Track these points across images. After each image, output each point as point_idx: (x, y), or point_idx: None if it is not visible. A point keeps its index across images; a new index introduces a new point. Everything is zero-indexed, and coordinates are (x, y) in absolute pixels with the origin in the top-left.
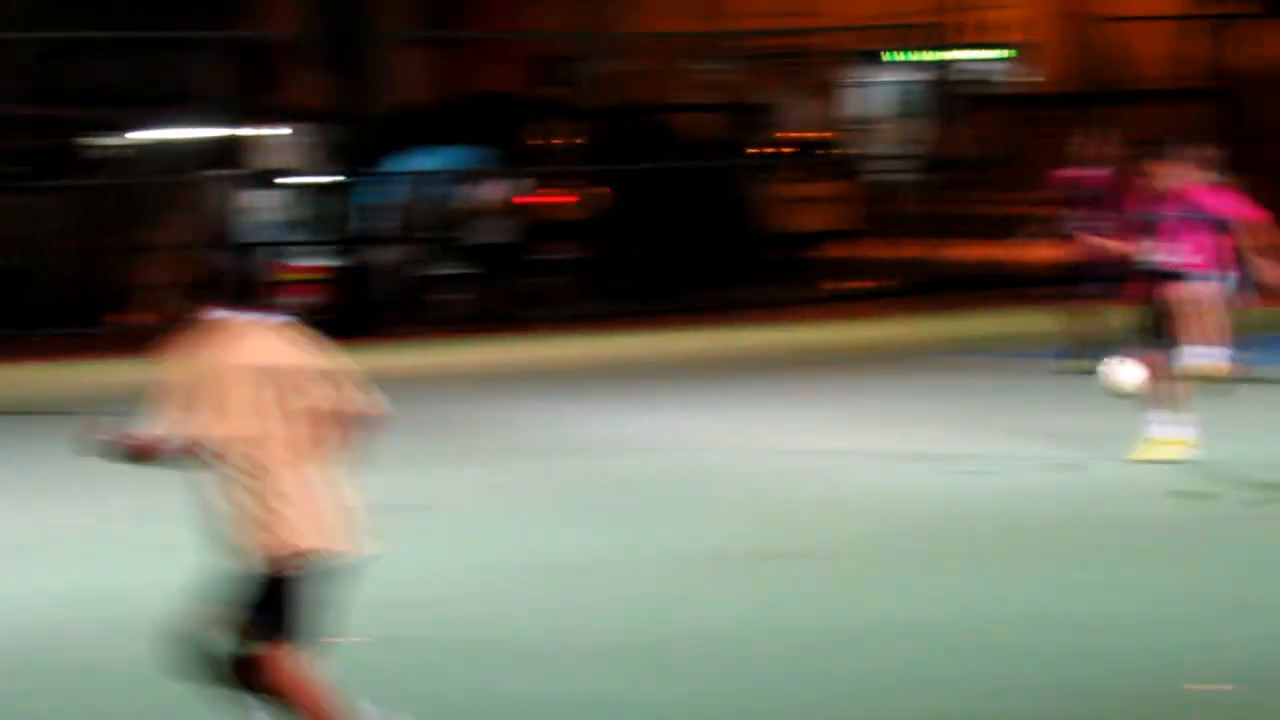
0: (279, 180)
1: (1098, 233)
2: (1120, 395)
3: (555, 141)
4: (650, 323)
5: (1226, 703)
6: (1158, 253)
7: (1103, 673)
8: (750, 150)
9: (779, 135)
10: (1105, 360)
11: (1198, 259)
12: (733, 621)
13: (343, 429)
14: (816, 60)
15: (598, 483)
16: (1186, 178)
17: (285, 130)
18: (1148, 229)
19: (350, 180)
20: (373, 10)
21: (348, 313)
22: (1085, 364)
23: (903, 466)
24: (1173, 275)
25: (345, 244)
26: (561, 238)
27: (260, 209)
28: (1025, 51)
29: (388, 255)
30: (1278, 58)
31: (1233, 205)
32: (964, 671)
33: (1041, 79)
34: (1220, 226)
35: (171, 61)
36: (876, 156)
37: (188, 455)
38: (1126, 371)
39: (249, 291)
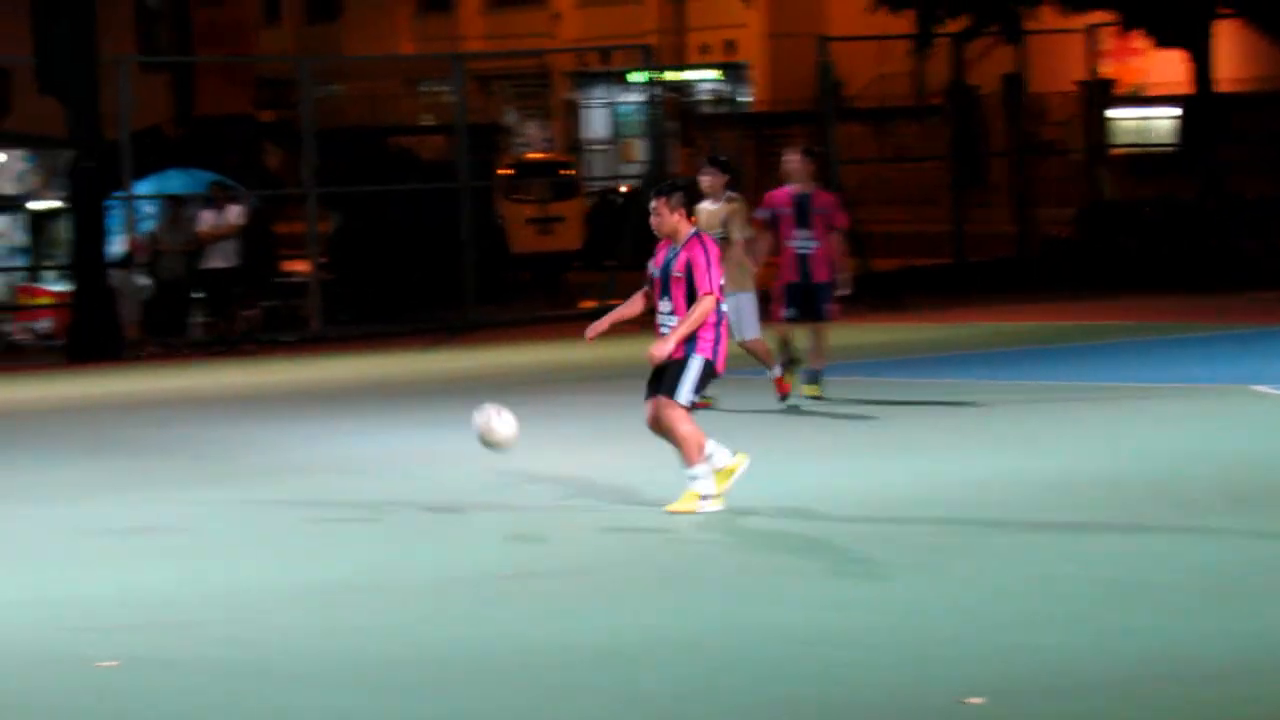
0: (6, 205)
1: (809, 251)
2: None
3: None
4: (388, 344)
5: (984, 714)
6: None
7: (869, 688)
8: (485, 171)
9: (513, 157)
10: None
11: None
12: (486, 641)
13: None
14: (547, 81)
15: (346, 504)
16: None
17: (14, 155)
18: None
19: (84, 205)
20: (97, 35)
21: (93, 337)
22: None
23: (655, 483)
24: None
25: (83, 268)
26: (299, 260)
27: None
28: (751, 71)
29: (131, 279)
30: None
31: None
32: (727, 688)
33: (766, 98)
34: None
35: None
36: (602, 177)
37: None
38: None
39: None
